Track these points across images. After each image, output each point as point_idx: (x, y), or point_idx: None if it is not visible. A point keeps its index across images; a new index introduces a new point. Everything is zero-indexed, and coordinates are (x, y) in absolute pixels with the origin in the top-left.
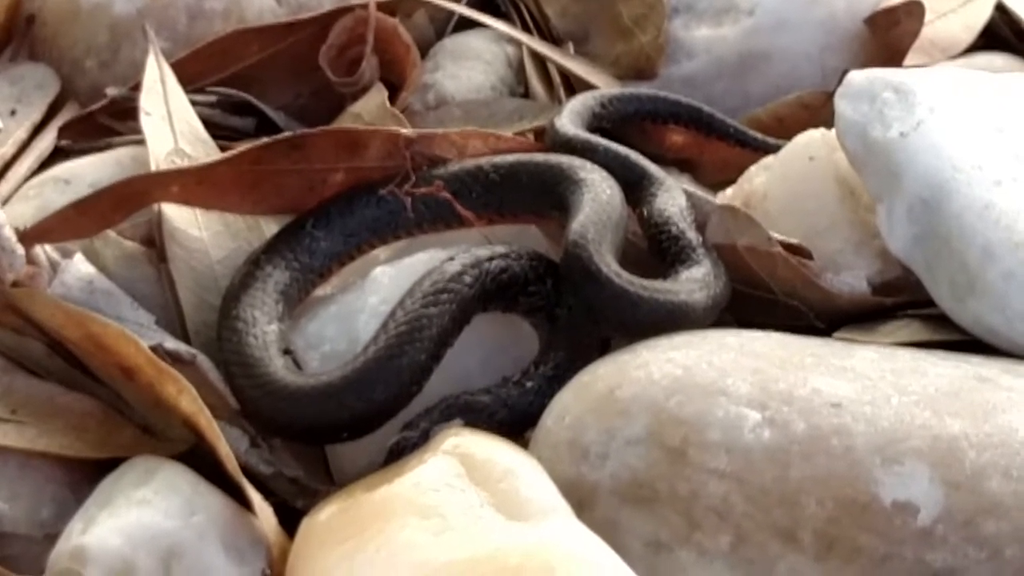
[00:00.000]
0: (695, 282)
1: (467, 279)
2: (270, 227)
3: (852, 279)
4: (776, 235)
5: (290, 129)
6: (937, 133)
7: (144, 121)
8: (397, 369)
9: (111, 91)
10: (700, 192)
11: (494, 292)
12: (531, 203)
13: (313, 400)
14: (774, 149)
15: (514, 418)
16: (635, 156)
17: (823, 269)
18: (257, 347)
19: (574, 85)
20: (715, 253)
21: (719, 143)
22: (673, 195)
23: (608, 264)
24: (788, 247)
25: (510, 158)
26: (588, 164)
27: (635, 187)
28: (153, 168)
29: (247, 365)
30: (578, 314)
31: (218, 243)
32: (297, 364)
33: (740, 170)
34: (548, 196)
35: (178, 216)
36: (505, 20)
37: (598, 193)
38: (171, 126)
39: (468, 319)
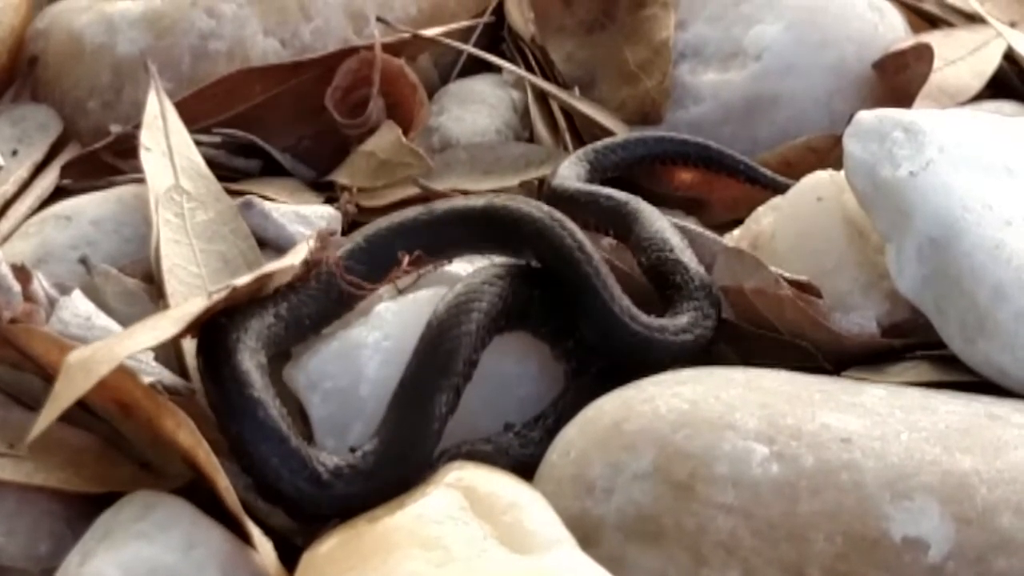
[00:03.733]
0: (698, 318)
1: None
2: (269, 257)
3: (862, 319)
4: (785, 273)
5: (296, 171)
6: (947, 173)
7: (144, 157)
8: (426, 436)
9: (115, 128)
10: (707, 233)
11: (516, 314)
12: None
13: (354, 486)
14: (783, 188)
15: (514, 466)
16: (630, 200)
17: (832, 309)
18: (280, 419)
19: (579, 128)
20: (708, 286)
21: (729, 181)
22: (662, 228)
23: (623, 307)
24: (797, 285)
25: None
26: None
27: (627, 225)
28: (153, 206)
29: (271, 439)
30: (606, 376)
31: (217, 279)
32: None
33: (750, 209)
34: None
35: (177, 252)
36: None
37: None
38: (171, 162)
39: (490, 339)
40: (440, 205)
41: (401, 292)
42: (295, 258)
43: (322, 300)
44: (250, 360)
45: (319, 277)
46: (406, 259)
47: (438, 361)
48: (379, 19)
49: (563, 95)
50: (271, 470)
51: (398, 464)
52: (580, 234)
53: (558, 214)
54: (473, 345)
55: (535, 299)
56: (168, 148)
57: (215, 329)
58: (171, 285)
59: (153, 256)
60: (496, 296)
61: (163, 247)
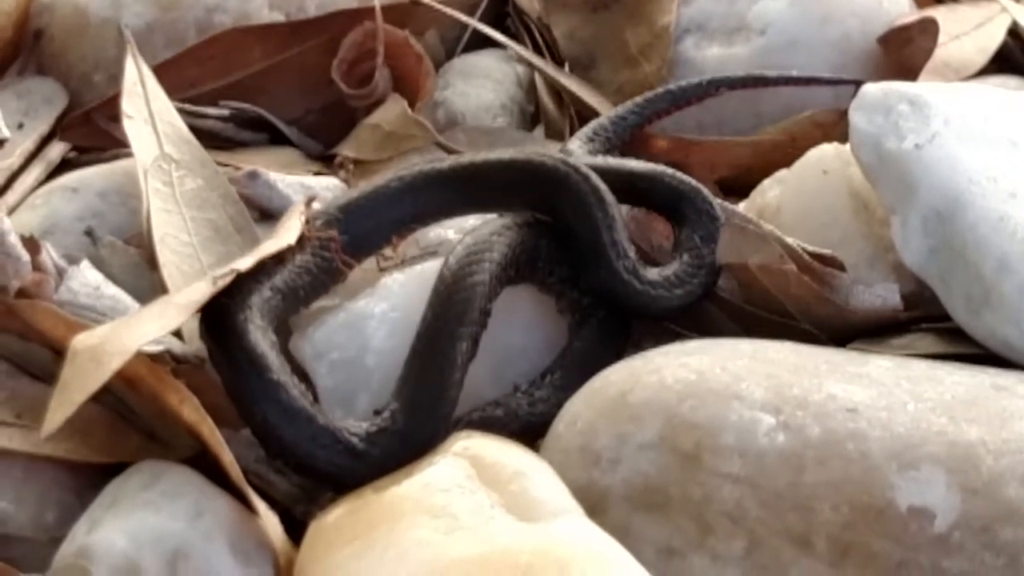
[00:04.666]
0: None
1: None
2: (260, 229)
3: (885, 292)
4: (808, 246)
5: (304, 145)
6: (952, 145)
7: (127, 125)
8: (450, 384)
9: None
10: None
11: (524, 264)
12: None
13: (389, 447)
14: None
15: (525, 428)
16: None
17: (855, 282)
18: (302, 398)
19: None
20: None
21: (703, 141)
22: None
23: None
24: (820, 258)
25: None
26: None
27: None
28: (141, 175)
29: (298, 420)
30: (604, 325)
31: (208, 248)
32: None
33: (730, 168)
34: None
35: (168, 222)
36: (515, 41)
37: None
38: (154, 128)
39: (501, 289)
40: (415, 169)
41: (383, 270)
42: (290, 236)
43: (314, 272)
44: (264, 341)
45: (310, 248)
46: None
47: (454, 310)
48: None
49: (561, 77)
50: (304, 452)
51: (428, 416)
52: (603, 185)
53: (583, 166)
54: (487, 294)
55: (542, 249)
56: (150, 114)
57: (220, 311)
58: (163, 255)
59: (144, 226)
60: (506, 246)
61: (153, 216)
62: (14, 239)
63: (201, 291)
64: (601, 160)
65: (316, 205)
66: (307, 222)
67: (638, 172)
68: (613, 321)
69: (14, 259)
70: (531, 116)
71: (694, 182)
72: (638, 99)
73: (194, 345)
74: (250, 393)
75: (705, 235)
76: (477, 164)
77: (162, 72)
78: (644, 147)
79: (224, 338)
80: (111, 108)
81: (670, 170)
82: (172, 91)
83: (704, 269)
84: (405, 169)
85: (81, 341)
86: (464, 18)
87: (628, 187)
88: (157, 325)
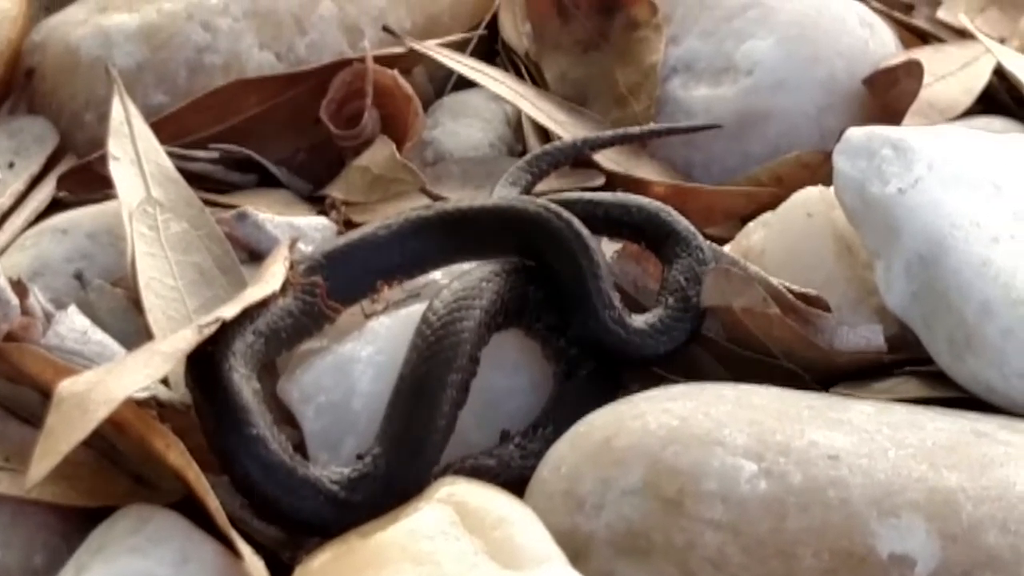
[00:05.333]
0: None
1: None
2: (248, 270)
3: (869, 333)
4: (793, 286)
5: (293, 185)
6: (935, 190)
7: (113, 167)
8: (434, 431)
9: None
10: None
11: (513, 311)
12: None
13: (370, 493)
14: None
15: (515, 479)
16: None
17: (839, 323)
18: (282, 451)
19: None
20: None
21: (699, 191)
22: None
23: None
24: (804, 298)
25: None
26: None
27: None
28: (126, 218)
29: (278, 474)
30: (594, 378)
31: (194, 292)
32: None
33: (725, 217)
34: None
35: (153, 266)
36: (506, 74)
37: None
38: (140, 169)
39: (490, 336)
40: (400, 217)
41: (368, 316)
42: (275, 282)
43: (297, 315)
44: (247, 390)
45: (293, 292)
46: (384, 289)
47: (442, 355)
48: (385, 28)
49: (535, 113)
50: (286, 506)
51: (411, 461)
52: (585, 231)
53: (564, 211)
54: (476, 341)
55: (530, 295)
56: (136, 155)
57: (204, 360)
58: (149, 300)
59: (130, 270)
60: (495, 292)
61: (139, 261)
62: (2, 283)
63: (186, 339)
64: (598, 194)
65: (303, 247)
66: (291, 268)
67: (634, 206)
68: (603, 373)
69: (2, 303)
70: (519, 155)
71: (688, 223)
72: (528, 156)
73: (179, 391)
74: (231, 449)
75: (691, 277)
76: (462, 211)
77: (164, 124)
78: (641, 193)
79: (208, 390)
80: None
81: (666, 207)
82: (169, 140)
83: (689, 313)
84: (391, 218)
85: (67, 388)
86: (450, 63)
87: (622, 220)
88: (143, 374)
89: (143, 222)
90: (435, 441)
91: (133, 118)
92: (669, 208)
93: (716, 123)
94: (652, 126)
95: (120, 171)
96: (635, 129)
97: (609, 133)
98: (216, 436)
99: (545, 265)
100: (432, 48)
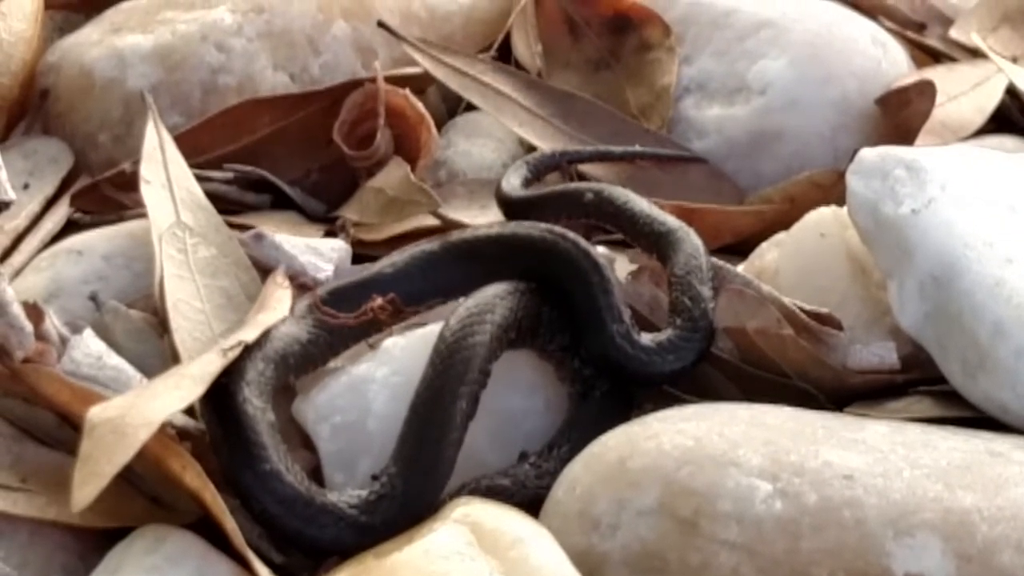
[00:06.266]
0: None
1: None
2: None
3: (882, 351)
4: (805, 305)
5: (307, 205)
6: (948, 210)
7: (144, 190)
8: (448, 444)
9: (128, 166)
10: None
11: (526, 329)
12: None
13: (387, 513)
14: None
15: (531, 499)
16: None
17: (852, 342)
18: (297, 483)
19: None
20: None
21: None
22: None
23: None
24: (817, 317)
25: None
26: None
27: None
28: (156, 241)
29: (296, 506)
30: (609, 398)
31: (220, 315)
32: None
33: (734, 235)
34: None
35: (181, 288)
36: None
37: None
38: (171, 194)
39: (501, 352)
40: (406, 254)
41: (372, 347)
42: (283, 307)
43: (304, 344)
44: (262, 423)
45: (301, 319)
46: (378, 300)
47: (455, 370)
48: (380, 24)
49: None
50: (307, 536)
51: (426, 479)
52: (593, 249)
53: (569, 232)
54: (487, 355)
55: (544, 315)
56: (168, 180)
57: (219, 393)
58: (176, 321)
59: (157, 291)
60: (508, 308)
61: (167, 283)
62: (17, 309)
63: (213, 363)
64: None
65: (320, 263)
66: (316, 298)
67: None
68: (618, 394)
69: (17, 329)
70: None
71: (698, 242)
72: (519, 162)
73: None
74: (247, 484)
75: (695, 296)
76: (468, 242)
77: (177, 143)
78: None
79: (223, 424)
80: (119, 178)
81: (687, 226)
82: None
83: (698, 334)
84: (397, 254)
85: (98, 414)
86: (459, 90)
87: (642, 229)
88: (176, 397)
89: (172, 245)
90: (447, 456)
91: (166, 144)
92: (689, 228)
93: (702, 156)
94: (636, 148)
95: (152, 194)
96: (617, 149)
97: (589, 149)
98: (231, 471)
99: (556, 285)
100: (429, 49)
